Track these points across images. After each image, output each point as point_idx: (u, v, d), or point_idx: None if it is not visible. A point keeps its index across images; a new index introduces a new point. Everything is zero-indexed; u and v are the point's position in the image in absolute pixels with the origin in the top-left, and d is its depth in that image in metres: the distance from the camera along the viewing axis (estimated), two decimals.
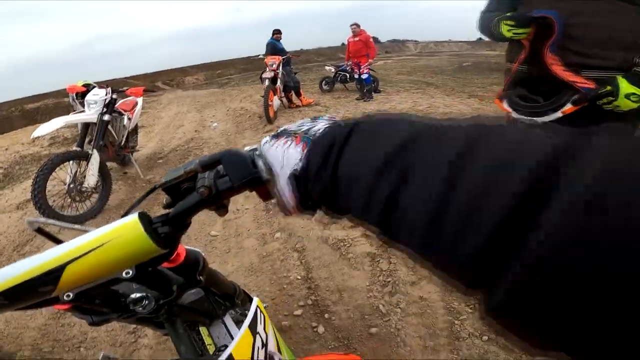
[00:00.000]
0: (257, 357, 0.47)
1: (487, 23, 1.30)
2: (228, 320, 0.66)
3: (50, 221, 0.55)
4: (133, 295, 0.50)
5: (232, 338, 0.67)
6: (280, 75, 5.45)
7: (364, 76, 6.33)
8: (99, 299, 0.49)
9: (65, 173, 2.71)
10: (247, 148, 0.40)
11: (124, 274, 0.44)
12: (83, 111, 2.98)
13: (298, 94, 6.09)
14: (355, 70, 6.50)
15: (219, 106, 7.09)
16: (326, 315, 1.63)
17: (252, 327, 0.51)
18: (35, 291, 0.38)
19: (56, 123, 2.69)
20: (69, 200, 2.70)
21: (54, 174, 2.55)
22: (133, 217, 0.39)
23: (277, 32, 6.01)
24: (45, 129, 2.63)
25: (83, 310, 0.49)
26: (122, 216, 0.41)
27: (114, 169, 3.60)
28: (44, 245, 2.56)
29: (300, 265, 1.99)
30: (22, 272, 0.38)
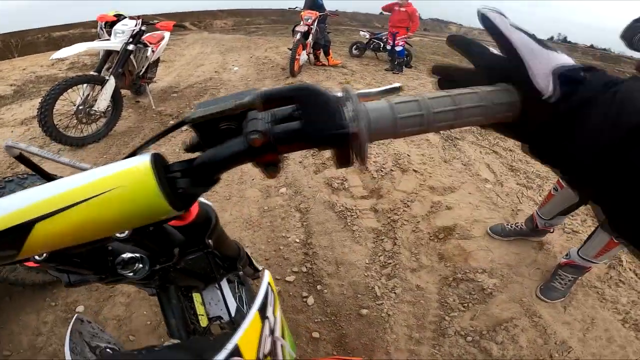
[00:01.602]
0: (264, 346, 0.39)
1: (632, 33, 1.32)
2: (224, 285, 0.58)
3: (34, 149, 0.43)
4: (123, 256, 0.41)
5: (227, 307, 0.56)
6: (313, 31, 5.16)
7: (398, 48, 5.87)
8: (78, 257, 0.39)
9: (77, 96, 2.58)
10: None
11: (118, 234, 0.36)
12: (108, 39, 2.89)
13: (326, 53, 5.79)
14: (390, 40, 6.03)
15: (243, 52, 6.73)
16: (319, 287, 1.54)
17: (262, 310, 0.41)
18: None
19: (79, 47, 2.56)
20: (75, 121, 2.61)
21: (65, 95, 2.42)
22: (143, 161, 0.27)
23: None
24: (66, 51, 2.49)
25: (59, 271, 0.40)
26: (129, 155, 0.29)
27: (126, 96, 3.47)
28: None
29: (301, 228, 1.89)
30: None
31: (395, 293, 1.53)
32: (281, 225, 1.90)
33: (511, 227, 1.80)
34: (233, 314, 0.60)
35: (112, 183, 0.26)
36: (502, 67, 0.28)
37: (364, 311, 1.44)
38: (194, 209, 0.43)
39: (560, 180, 1.48)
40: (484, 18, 0.29)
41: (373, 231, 1.88)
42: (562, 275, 1.50)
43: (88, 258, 0.40)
